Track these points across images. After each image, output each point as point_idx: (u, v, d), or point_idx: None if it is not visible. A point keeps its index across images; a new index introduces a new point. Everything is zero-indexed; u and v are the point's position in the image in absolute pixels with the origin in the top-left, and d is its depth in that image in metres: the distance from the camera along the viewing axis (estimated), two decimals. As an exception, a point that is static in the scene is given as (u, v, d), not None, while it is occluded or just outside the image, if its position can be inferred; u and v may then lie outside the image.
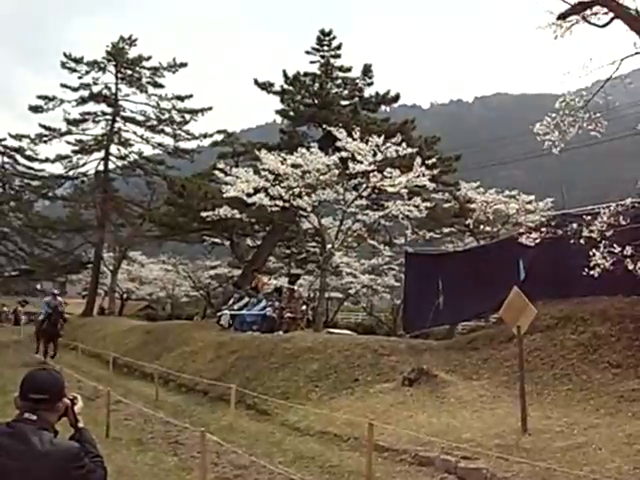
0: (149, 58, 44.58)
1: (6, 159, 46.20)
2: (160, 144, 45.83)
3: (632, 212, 11.56)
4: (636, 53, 11.51)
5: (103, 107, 45.40)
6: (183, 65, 44.78)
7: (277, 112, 35.98)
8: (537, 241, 13.06)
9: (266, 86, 34.60)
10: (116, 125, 45.46)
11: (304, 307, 24.35)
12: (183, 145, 45.97)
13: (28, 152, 44.95)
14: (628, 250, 10.89)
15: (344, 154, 23.28)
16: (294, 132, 34.95)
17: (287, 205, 23.74)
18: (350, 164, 22.97)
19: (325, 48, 35.53)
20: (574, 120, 12.07)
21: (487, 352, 14.17)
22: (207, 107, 45.04)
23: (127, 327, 30.87)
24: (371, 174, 22.94)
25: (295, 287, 24.86)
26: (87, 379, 19.14)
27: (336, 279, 39.42)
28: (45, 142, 44.53)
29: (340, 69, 35.44)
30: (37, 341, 25.62)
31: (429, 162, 23.52)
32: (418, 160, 23.00)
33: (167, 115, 45.07)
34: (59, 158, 44.76)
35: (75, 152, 44.88)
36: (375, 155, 22.78)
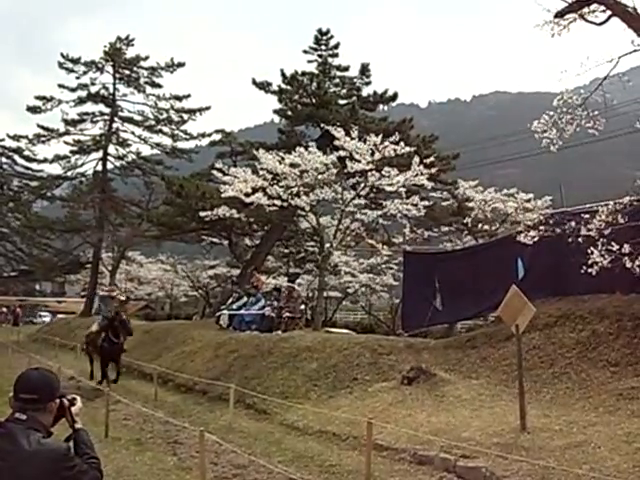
0: (147, 58, 44.61)
1: (4, 160, 46.21)
2: (158, 144, 45.88)
3: (630, 210, 11.57)
4: (634, 51, 11.50)
5: (101, 107, 45.45)
6: (181, 65, 44.77)
7: (275, 111, 36.02)
8: (535, 239, 13.06)
9: (264, 86, 34.58)
10: (114, 125, 45.45)
11: (303, 306, 24.39)
12: (181, 145, 46.03)
13: (26, 153, 44.98)
14: (626, 248, 10.89)
15: (342, 153, 23.26)
16: (292, 131, 34.93)
17: (285, 204, 23.71)
18: (348, 163, 22.94)
19: (323, 47, 35.53)
20: (572, 118, 12.06)
21: (486, 351, 14.18)
22: (205, 107, 45.07)
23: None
24: (369, 173, 22.92)
25: (294, 286, 24.86)
26: (86, 379, 19.15)
27: (335, 278, 39.43)
28: (43, 142, 44.53)
29: (338, 68, 35.43)
30: (90, 361, 20.29)
31: (427, 161, 23.48)
32: (416, 159, 22.97)
33: (165, 115, 45.07)
34: (57, 158, 44.75)
35: (73, 152, 44.86)
36: (373, 154, 22.75)
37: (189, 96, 44.72)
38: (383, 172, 22.67)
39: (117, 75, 44.79)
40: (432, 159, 24.53)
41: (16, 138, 44.44)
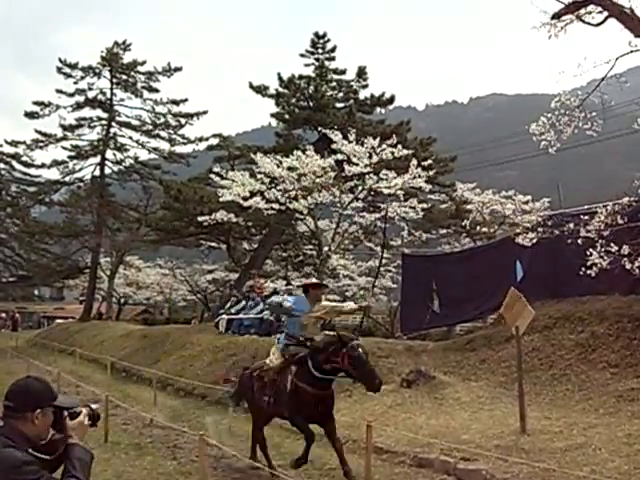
0: (144, 63, 44.61)
1: (2, 165, 46.06)
2: (156, 148, 45.85)
3: (629, 211, 11.56)
4: (631, 52, 11.52)
5: (99, 112, 45.39)
6: (178, 69, 44.82)
7: (272, 115, 36.06)
8: (534, 241, 13.05)
9: (261, 89, 34.62)
10: (112, 130, 45.43)
11: (301, 309, 24.26)
12: (179, 149, 46.06)
13: (24, 158, 44.87)
14: (625, 249, 10.88)
15: (340, 156, 23.30)
16: (290, 135, 34.97)
17: (283, 208, 23.73)
18: (346, 166, 22.97)
19: (319, 51, 35.60)
20: (570, 119, 12.07)
21: (485, 353, 14.17)
22: (202, 111, 45.07)
23: (125, 332, 30.80)
24: (367, 176, 22.96)
25: (293, 290, 24.81)
26: (85, 384, 19.10)
27: (333, 281, 39.40)
28: (41, 148, 44.45)
29: (335, 71, 35.48)
30: (256, 426, 10.52)
31: (425, 163, 23.55)
32: (414, 161, 23.02)
33: (162, 119, 45.08)
34: (55, 164, 44.70)
35: (71, 157, 44.84)
36: (371, 157, 22.78)
37: (186, 100, 44.84)
38: (381, 175, 22.69)
39: (114, 80, 44.78)
40: (430, 161, 24.63)
41: (14, 144, 44.40)
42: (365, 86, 35.52)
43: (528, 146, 16.34)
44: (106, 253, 48.48)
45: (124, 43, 44.87)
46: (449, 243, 35.06)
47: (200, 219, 26.97)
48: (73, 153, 44.75)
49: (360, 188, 23.89)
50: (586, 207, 14.62)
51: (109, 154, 45.51)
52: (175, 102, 44.56)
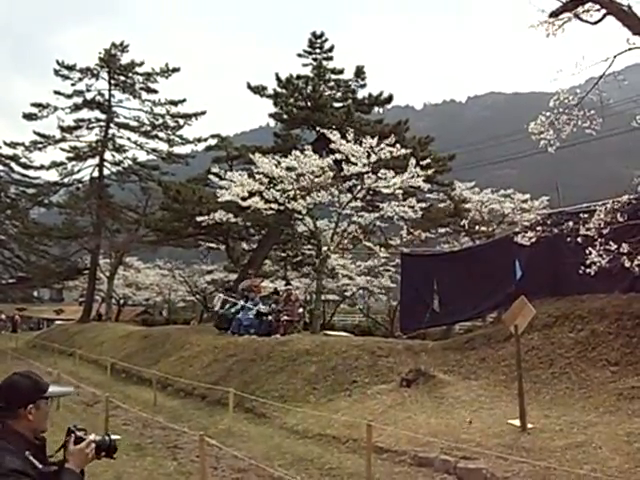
0: (142, 64, 44.62)
1: (1, 167, 46.11)
2: (154, 149, 45.87)
3: (629, 209, 11.55)
4: (629, 49, 11.50)
5: (97, 114, 45.43)
6: (176, 70, 44.79)
7: (270, 115, 36.00)
8: (533, 240, 13.04)
9: (259, 90, 34.57)
10: (110, 131, 45.45)
11: (301, 309, 24.34)
12: (177, 150, 46.05)
13: (23, 160, 44.87)
14: (624, 247, 10.86)
15: (338, 156, 23.27)
16: (288, 135, 34.93)
17: (282, 208, 23.73)
18: (344, 166, 22.96)
19: (317, 50, 35.56)
20: (569, 118, 12.05)
21: (485, 352, 14.16)
22: (200, 111, 45.08)
23: (124, 333, 30.82)
24: (365, 176, 22.95)
25: (292, 289, 24.86)
26: (86, 385, 19.10)
27: (332, 281, 39.42)
28: (40, 149, 44.47)
29: (333, 71, 35.44)
30: None
31: (423, 163, 23.54)
32: (412, 161, 22.98)
33: (161, 120, 45.08)
34: (54, 165, 44.70)
35: (69, 159, 44.84)
36: (369, 156, 22.75)
37: (184, 101, 44.84)
38: (379, 174, 22.66)
39: (112, 81, 44.79)
40: (428, 161, 24.60)
41: (12, 145, 44.38)
42: (363, 85, 35.50)
43: (527, 144, 16.35)
44: (105, 254, 48.49)
45: (122, 44, 44.87)
46: (448, 242, 35.10)
47: (199, 219, 26.97)
48: (72, 154, 44.75)
49: (359, 188, 23.89)
50: (585, 205, 14.60)
51: (107, 155, 45.57)
52: (173, 103, 44.58)
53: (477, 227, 25.58)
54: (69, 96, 44.28)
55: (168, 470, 10.28)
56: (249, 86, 34.67)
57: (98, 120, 45.27)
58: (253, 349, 18.50)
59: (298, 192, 23.41)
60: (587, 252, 11.38)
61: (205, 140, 43.22)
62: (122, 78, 44.79)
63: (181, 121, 44.89)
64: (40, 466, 3.26)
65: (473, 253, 19.87)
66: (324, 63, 35.39)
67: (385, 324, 37.74)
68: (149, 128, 45.34)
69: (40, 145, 44.25)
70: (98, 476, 9.03)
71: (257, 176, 24.00)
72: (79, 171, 45.74)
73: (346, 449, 10.83)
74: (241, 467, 9.96)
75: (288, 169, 23.54)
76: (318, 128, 29.74)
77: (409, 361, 14.72)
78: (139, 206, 45.29)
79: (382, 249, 28.82)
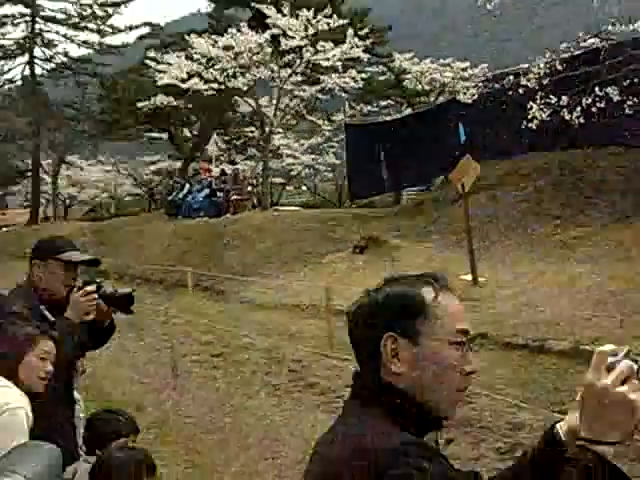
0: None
1: None
2: (85, 41, 44.05)
3: (567, 59, 11.64)
4: None
5: (20, 8, 43.12)
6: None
7: (202, -6, 34.87)
8: (475, 100, 13.15)
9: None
10: (37, 26, 43.29)
11: (250, 187, 24.41)
12: (109, 41, 44.25)
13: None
14: (564, 100, 11.04)
15: (275, 31, 22.87)
16: (222, 15, 33.96)
17: (222, 87, 23.41)
18: (282, 40, 22.62)
19: None
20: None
21: (434, 215, 14.54)
22: (129, -2, 43.20)
23: (76, 229, 30.51)
24: (304, 49, 22.66)
25: (239, 168, 24.88)
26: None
27: (277, 161, 39.19)
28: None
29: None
30: None
31: (361, 33, 23.34)
32: (350, 31, 22.76)
33: (89, 10, 43.01)
34: (-19, 67, 42.86)
35: (-3, 58, 42.98)
36: (307, 29, 22.41)
37: (111, -12, 42.81)
38: (318, 47, 22.41)
39: (33, -27, 42.48)
40: (367, 30, 24.37)
41: None
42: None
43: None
44: (46, 154, 47.32)
45: None
46: (390, 114, 35.02)
47: (139, 106, 26.50)
48: (-1, 53, 42.89)
49: (298, 62, 23.59)
50: (526, 66, 14.72)
51: (38, 52, 43.62)
52: (100, -8, 42.61)
53: (418, 99, 25.60)
54: (-12, -7, 41.97)
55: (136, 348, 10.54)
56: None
57: (22, 15, 43.07)
58: (206, 230, 18.61)
59: (237, 70, 23.06)
60: (528, 107, 11.51)
61: (137, 28, 41.76)
62: (43, -32, 42.49)
63: (110, 10, 42.92)
64: (52, 319, 3.36)
65: (417, 119, 19.98)
66: None
67: (332, 200, 38.06)
68: (77, 20, 43.42)
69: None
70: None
71: (195, 57, 23.53)
72: (9, 70, 43.90)
73: (306, 315, 11.15)
74: (206, 340, 10.26)
75: (225, 48, 23.04)
76: (252, 4, 28.89)
77: (361, 229, 15.00)
78: (75, 102, 43.97)
79: (325, 122, 28.78)
